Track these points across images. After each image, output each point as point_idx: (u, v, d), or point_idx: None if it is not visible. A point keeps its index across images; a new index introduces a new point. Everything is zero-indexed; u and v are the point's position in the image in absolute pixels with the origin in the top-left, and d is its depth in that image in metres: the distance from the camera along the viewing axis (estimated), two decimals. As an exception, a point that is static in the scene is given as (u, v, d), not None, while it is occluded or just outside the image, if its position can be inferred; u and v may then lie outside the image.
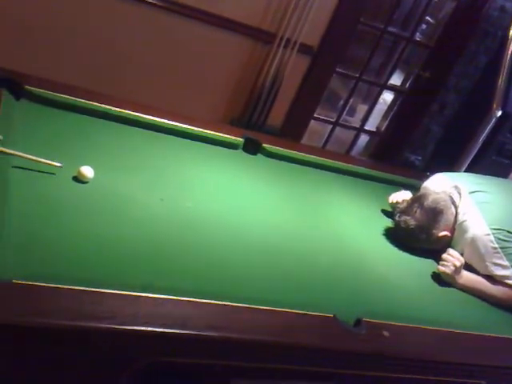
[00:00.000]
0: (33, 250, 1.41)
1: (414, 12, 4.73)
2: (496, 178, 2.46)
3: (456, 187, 2.21)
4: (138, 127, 2.20)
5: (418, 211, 2.11)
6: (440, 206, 2.12)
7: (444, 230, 2.12)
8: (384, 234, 2.18)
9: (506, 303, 1.99)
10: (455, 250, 2.07)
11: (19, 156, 1.66)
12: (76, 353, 1.27)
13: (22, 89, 2.05)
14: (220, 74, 3.35)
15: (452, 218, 2.14)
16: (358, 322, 1.56)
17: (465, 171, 3.61)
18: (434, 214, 2.11)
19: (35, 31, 2.95)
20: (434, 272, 2.05)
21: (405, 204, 2.18)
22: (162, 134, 2.24)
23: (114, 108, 2.18)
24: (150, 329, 1.29)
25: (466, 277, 2.02)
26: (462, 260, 2.00)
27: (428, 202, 2.12)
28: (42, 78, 2.20)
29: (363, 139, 4.36)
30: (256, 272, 1.70)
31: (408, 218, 2.11)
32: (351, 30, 3.48)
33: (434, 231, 2.11)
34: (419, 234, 2.11)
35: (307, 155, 2.49)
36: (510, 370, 1.72)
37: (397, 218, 2.16)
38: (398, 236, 2.16)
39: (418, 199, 2.16)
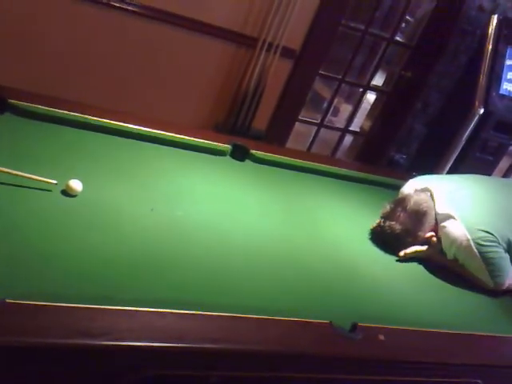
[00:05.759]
0: (23, 267, 1.39)
1: (394, 11, 4.77)
2: (474, 175, 2.42)
3: (430, 191, 2.18)
4: (124, 137, 2.19)
5: (402, 215, 2.08)
6: (423, 208, 2.10)
7: (430, 231, 2.12)
8: (375, 237, 2.17)
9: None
10: (447, 254, 2.09)
11: (13, 174, 1.64)
12: (72, 370, 1.26)
13: (6, 102, 2.02)
14: (203, 79, 3.34)
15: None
16: (354, 327, 1.56)
17: (449, 169, 3.65)
18: (418, 216, 2.09)
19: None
20: (427, 273, 2.05)
21: (388, 209, 2.16)
22: (149, 144, 2.22)
23: (97, 118, 2.16)
24: (145, 344, 1.28)
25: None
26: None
27: (411, 205, 2.10)
28: (23, 90, 2.18)
29: (348, 139, 4.38)
30: (251, 281, 1.69)
31: (393, 223, 2.09)
32: (333, 32, 3.48)
33: (420, 233, 2.10)
34: (405, 238, 2.09)
35: (295, 160, 2.49)
36: (506, 369, 1.73)
37: (381, 223, 2.14)
38: (385, 241, 2.14)
39: (400, 203, 2.14)
